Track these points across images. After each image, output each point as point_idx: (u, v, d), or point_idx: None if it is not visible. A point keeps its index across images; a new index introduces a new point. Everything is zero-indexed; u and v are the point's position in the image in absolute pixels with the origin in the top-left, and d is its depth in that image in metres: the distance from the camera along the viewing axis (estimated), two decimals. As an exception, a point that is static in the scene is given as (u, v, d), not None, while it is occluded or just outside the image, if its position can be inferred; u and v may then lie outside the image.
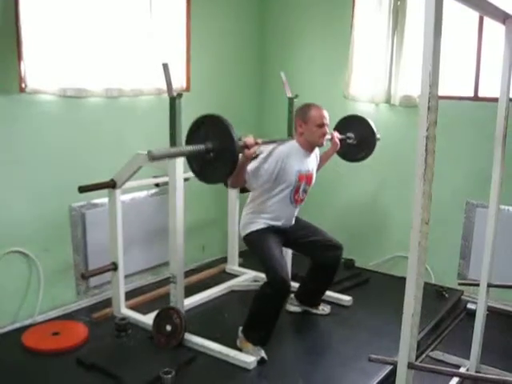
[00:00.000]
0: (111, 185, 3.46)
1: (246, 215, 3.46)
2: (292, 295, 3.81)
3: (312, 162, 3.50)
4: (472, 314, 3.80)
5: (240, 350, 3.19)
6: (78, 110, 3.70)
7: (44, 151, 3.56)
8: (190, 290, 3.89)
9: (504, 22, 2.81)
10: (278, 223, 3.42)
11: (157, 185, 3.92)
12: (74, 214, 3.77)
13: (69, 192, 3.54)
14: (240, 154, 2.82)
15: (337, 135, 3.78)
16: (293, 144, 3.38)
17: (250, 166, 3.11)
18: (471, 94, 4.09)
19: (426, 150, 2.00)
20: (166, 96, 3.12)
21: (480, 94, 4.07)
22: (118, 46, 3.81)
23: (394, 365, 2.23)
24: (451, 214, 4.26)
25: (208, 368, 3.07)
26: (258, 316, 3.20)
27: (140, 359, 3.11)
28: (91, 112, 3.78)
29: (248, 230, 3.40)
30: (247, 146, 2.91)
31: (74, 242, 3.82)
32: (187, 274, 4.42)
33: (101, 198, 3.80)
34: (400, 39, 4.28)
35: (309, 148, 3.41)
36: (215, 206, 4.86)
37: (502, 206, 3.84)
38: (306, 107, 3.36)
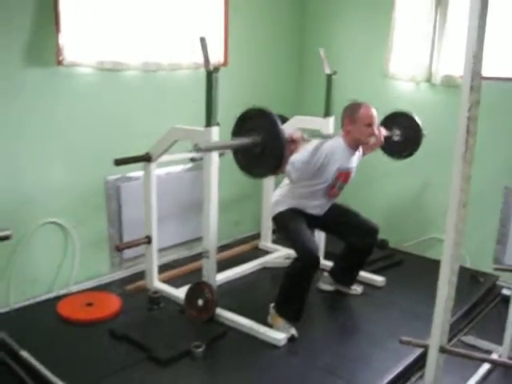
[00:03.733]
0: (146, 158, 3.47)
1: (276, 195, 3.46)
2: (325, 273, 3.80)
3: (355, 160, 3.46)
4: (507, 300, 3.74)
5: (271, 326, 3.19)
6: (115, 83, 3.72)
7: (81, 123, 3.59)
8: (223, 266, 3.91)
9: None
10: (309, 210, 3.40)
11: (192, 159, 3.92)
12: (109, 186, 3.81)
13: (105, 165, 3.55)
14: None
15: (383, 131, 3.68)
16: (339, 141, 3.33)
17: (294, 158, 3.06)
18: (516, 75, 3.96)
19: (468, 130, 1.95)
20: (203, 70, 3.10)
21: (525, 75, 3.94)
22: (156, 20, 3.79)
23: (426, 348, 2.21)
24: (489, 197, 4.16)
25: (238, 343, 3.08)
26: (289, 290, 3.20)
27: (171, 332, 3.15)
28: (128, 85, 3.79)
29: (276, 211, 3.39)
30: (293, 141, 2.90)
31: (109, 214, 3.86)
32: (220, 249, 4.42)
33: (136, 172, 3.82)
34: (443, 16, 4.16)
35: (354, 147, 3.37)
36: (249, 182, 4.78)
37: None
38: (356, 105, 3.30)
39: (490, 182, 4.12)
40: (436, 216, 4.49)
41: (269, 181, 4.39)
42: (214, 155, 3.17)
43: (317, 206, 3.42)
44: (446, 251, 2.12)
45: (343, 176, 3.37)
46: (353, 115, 3.28)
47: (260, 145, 2.67)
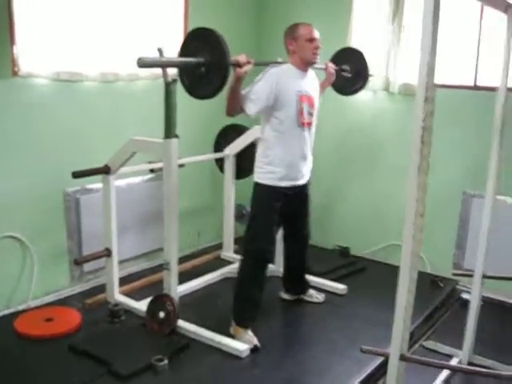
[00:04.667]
0: (105, 170, 3.43)
1: (258, 155, 3.30)
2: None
3: (311, 84, 3.35)
4: (466, 304, 3.81)
5: (233, 337, 3.18)
6: (72, 95, 3.67)
7: (38, 135, 3.53)
8: (185, 276, 3.88)
9: (506, 11, 2.77)
10: (292, 168, 3.26)
11: (152, 170, 3.89)
12: (68, 199, 3.74)
13: (63, 177, 3.50)
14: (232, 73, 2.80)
15: (331, 65, 3.70)
16: (287, 65, 3.26)
17: (244, 90, 3.03)
18: (471, 83, 4.05)
19: (422, 140, 1.98)
20: (162, 80, 3.07)
21: (479, 83, 4.03)
22: (114, 30, 3.76)
23: (386, 356, 2.23)
24: (448, 203, 4.24)
25: (201, 355, 3.06)
26: (242, 293, 3.25)
27: (133, 346, 3.10)
28: (86, 96, 3.75)
29: (260, 180, 3.26)
30: (239, 64, 2.86)
31: (68, 227, 3.80)
32: (182, 260, 4.40)
33: (95, 184, 3.76)
34: (399, 26, 4.23)
35: (303, 67, 3.27)
36: (211, 192, 4.84)
37: (499, 197, 3.83)
38: (294, 25, 3.25)
39: (449, 188, 4.21)
40: (396, 223, 4.51)
41: (230, 191, 4.38)
42: (174, 164, 3.14)
43: (299, 148, 3.27)
44: (403, 260, 2.14)
45: (306, 99, 3.25)
46: (293, 34, 3.22)
47: (204, 65, 2.66)
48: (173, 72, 3.10)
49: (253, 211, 3.31)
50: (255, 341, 3.13)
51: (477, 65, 3.99)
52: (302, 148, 3.29)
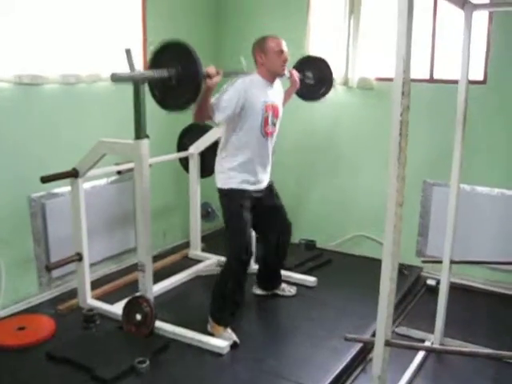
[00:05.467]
0: (74, 174, 3.39)
1: (220, 160, 3.35)
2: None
3: (276, 94, 3.41)
4: (432, 290, 3.98)
5: (212, 335, 3.21)
6: (35, 98, 3.60)
7: (0, 140, 3.44)
8: (155, 277, 3.86)
9: (463, 7, 2.89)
10: (253, 175, 3.32)
11: (119, 172, 3.86)
12: (33, 204, 3.67)
13: (28, 182, 3.47)
14: (202, 85, 2.82)
15: (296, 73, 3.75)
16: (254, 76, 3.30)
17: (213, 99, 3.06)
18: (427, 77, 4.19)
19: (401, 134, 2.06)
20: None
21: (435, 76, 4.17)
22: (75, 31, 3.70)
23: (369, 343, 2.30)
24: (409, 192, 4.31)
25: (182, 355, 3.07)
26: (222, 296, 3.25)
27: (112, 350, 3.07)
28: (49, 99, 3.68)
29: (224, 186, 3.31)
30: (209, 76, 2.88)
31: (35, 233, 3.72)
32: (150, 260, 4.41)
33: (61, 188, 3.71)
34: (356, 21, 4.32)
35: (271, 78, 3.33)
36: (176, 191, 4.82)
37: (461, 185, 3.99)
38: (263, 38, 3.29)
39: (410, 178, 4.29)
40: (360, 215, 4.65)
41: (195, 189, 4.39)
42: (146, 166, 3.13)
43: (260, 155, 3.33)
44: (385, 249, 2.22)
45: (271, 108, 3.30)
46: (262, 47, 3.26)
47: (175, 77, 2.67)
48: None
49: (225, 216, 3.35)
50: (234, 337, 3.17)
51: (432, 58, 4.12)
52: (263, 157, 3.37)
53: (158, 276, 3.99)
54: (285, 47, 3.28)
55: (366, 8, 4.29)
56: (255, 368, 2.97)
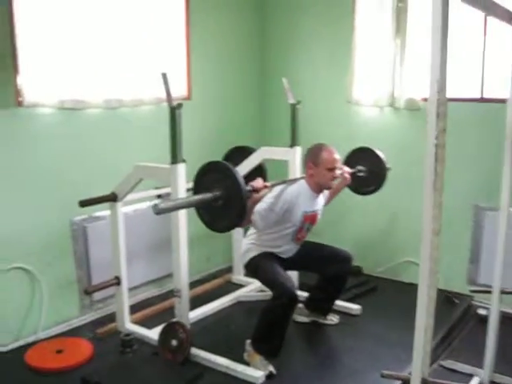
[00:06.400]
0: (112, 198, 3.40)
1: (246, 244, 3.44)
2: (301, 305, 3.73)
3: (319, 202, 3.46)
4: (483, 320, 3.75)
5: (248, 363, 3.12)
6: (77, 122, 3.65)
7: (43, 164, 3.50)
8: (196, 302, 3.84)
9: (510, 21, 2.74)
10: (279, 254, 3.39)
11: (159, 196, 3.86)
12: (75, 228, 3.70)
13: (70, 206, 3.48)
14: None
15: (347, 170, 3.64)
16: (302, 185, 3.33)
17: (258, 207, 3.07)
18: (477, 96, 4.02)
19: (436, 158, 1.94)
20: (166, 105, 3.05)
21: (486, 96, 4.00)
22: (117, 56, 3.75)
23: (407, 381, 2.17)
24: (459, 217, 4.18)
25: (216, 384, 3.00)
26: (268, 327, 3.14)
27: (146, 377, 3.05)
28: (91, 123, 3.73)
29: (248, 258, 3.37)
30: (256, 190, 2.87)
31: (77, 256, 3.75)
32: (192, 285, 4.32)
33: (102, 211, 3.73)
34: (403, 40, 4.20)
35: (318, 190, 3.37)
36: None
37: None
38: (318, 149, 3.30)
39: (460, 202, 4.14)
40: (407, 239, 4.49)
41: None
42: (182, 190, 3.10)
43: (287, 250, 3.42)
44: (421, 280, 2.08)
45: (310, 218, 3.37)
46: (315, 159, 3.28)
47: (221, 198, 2.63)
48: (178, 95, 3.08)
49: (259, 273, 3.34)
50: (271, 367, 3.06)
51: (483, 77, 3.95)
52: (290, 251, 3.45)
53: (200, 301, 3.98)
54: (338, 162, 3.30)
55: (412, 27, 4.17)
56: (290, 401, 2.86)
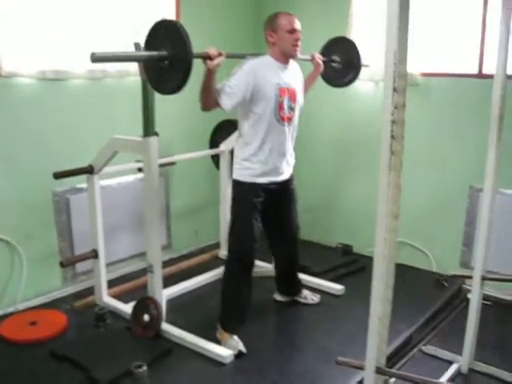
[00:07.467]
0: (89, 170, 3.32)
1: (236, 152, 3.18)
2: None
3: (292, 77, 3.16)
4: (472, 305, 3.63)
5: (219, 342, 3.06)
6: (59, 93, 3.57)
7: (24, 135, 3.44)
8: (178, 277, 3.79)
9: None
10: (269, 164, 3.12)
11: (139, 169, 3.78)
12: (57, 199, 3.66)
13: (51, 176, 3.41)
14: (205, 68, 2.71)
15: (318, 56, 3.51)
16: (265, 57, 3.08)
17: (221, 85, 2.87)
18: (475, 71, 3.83)
19: (392, 135, 1.82)
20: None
21: (485, 71, 3.80)
22: (101, 25, 3.65)
23: (362, 369, 2.08)
24: (454, 198, 4.03)
25: (183, 361, 2.95)
26: (228, 297, 3.14)
27: (115, 351, 2.99)
28: (74, 94, 3.65)
29: (238, 177, 3.13)
30: (210, 57, 2.69)
31: (59, 227, 3.71)
32: (179, 259, 4.34)
33: (85, 183, 3.66)
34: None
35: (283, 59, 3.08)
36: (208, 190, 4.70)
37: (503, 190, 3.63)
38: (274, 16, 3.06)
39: (455, 182, 4.00)
40: (403, 218, 4.33)
41: (226, 189, 4.24)
42: (154, 164, 3.02)
43: (278, 142, 3.11)
44: (376, 266, 2.00)
45: (286, 92, 3.07)
46: (273, 25, 3.03)
47: (167, 58, 2.52)
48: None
49: (233, 210, 3.17)
50: (240, 346, 3.00)
51: (482, 51, 3.76)
52: (282, 144, 3.12)
53: (183, 276, 3.93)
54: (298, 25, 3.02)
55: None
56: (256, 381, 2.78)
